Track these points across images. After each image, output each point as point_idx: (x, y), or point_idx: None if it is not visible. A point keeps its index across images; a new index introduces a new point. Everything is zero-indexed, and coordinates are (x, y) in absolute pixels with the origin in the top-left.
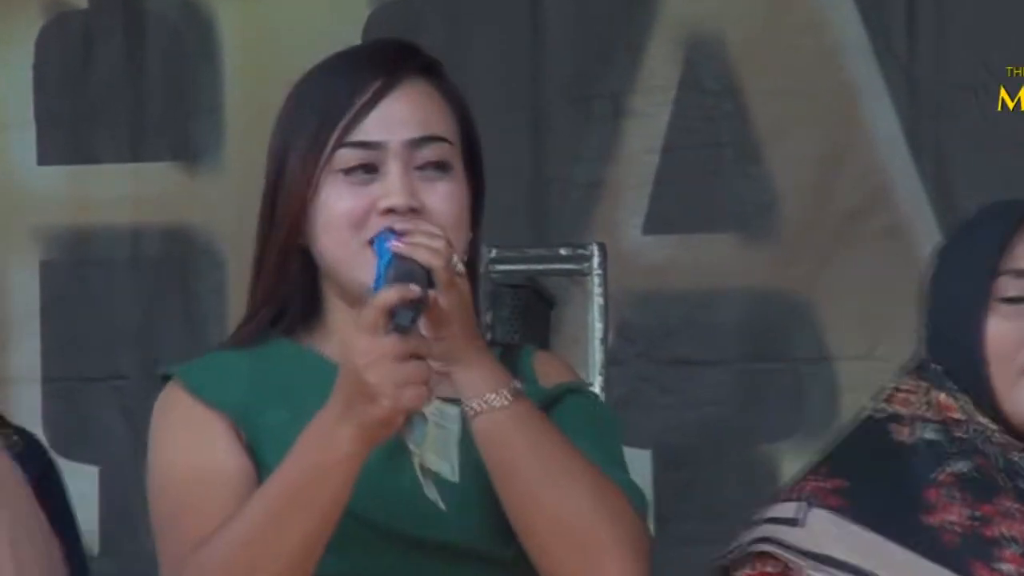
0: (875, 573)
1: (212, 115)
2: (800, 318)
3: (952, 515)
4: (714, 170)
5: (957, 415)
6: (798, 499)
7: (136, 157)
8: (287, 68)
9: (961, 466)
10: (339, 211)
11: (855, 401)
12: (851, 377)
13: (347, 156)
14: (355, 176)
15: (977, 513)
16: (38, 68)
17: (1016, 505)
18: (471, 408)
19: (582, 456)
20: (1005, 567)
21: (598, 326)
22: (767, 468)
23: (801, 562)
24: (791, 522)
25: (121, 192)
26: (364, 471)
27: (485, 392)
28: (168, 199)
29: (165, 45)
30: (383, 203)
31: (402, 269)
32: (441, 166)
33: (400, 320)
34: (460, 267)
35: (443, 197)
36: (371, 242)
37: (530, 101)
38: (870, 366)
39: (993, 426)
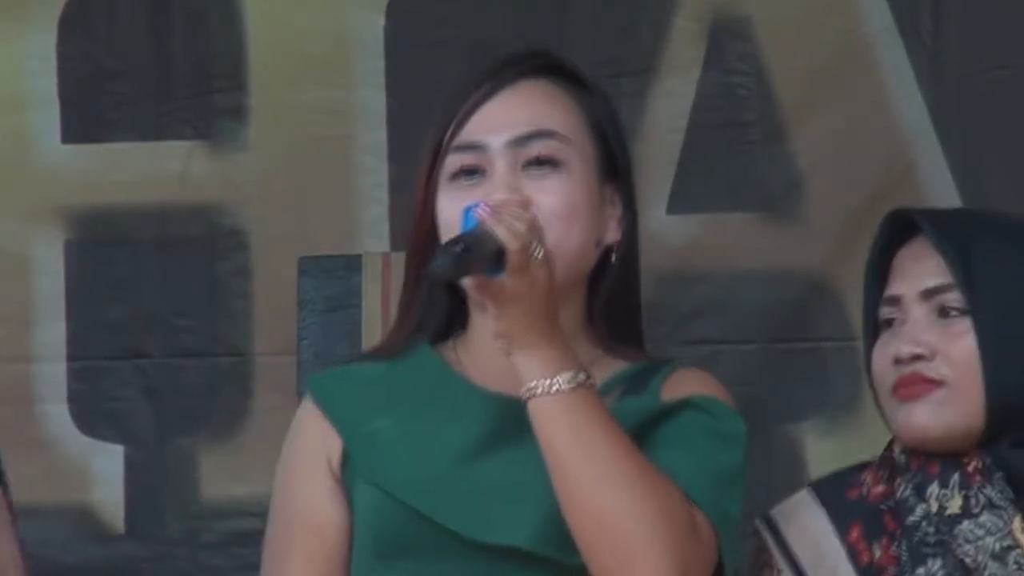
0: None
1: (236, 93)
2: (825, 298)
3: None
4: (739, 150)
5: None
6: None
7: (160, 135)
8: (312, 46)
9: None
10: (451, 217)
11: None
12: None
13: (455, 161)
14: (464, 181)
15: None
16: (61, 47)
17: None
18: (525, 391)
19: (640, 457)
20: None
21: None
22: (791, 448)
23: (775, 552)
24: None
25: (145, 171)
26: (438, 477)
27: (540, 377)
28: (192, 178)
29: (189, 23)
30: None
31: (477, 234)
32: (551, 162)
33: (435, 264)
34: (539, 254)
35: (551, 192)
36: None
37: None
38: None
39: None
